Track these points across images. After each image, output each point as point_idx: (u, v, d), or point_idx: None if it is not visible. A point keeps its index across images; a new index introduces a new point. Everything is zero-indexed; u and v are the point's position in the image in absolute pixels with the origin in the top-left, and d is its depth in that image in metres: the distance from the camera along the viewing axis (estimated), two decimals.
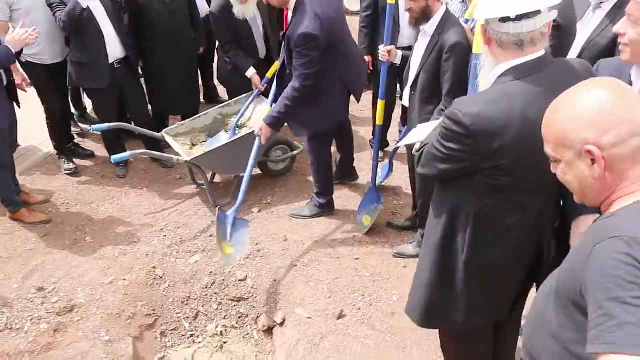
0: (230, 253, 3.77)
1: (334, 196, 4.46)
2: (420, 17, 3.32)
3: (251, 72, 4.76)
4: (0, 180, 4.22)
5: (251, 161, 4.04)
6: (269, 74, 4.67)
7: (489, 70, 1.97)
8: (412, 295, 2.32)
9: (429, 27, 3.33)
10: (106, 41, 4.61)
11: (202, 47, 5.52)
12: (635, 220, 1.23)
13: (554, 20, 2.75)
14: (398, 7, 4.32)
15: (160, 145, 5.02)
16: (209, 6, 5.46)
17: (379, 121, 4.09)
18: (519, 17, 1.79)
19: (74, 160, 5.26)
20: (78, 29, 4.45)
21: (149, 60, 5.14)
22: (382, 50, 3.74)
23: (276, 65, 4.41)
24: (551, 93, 1.51)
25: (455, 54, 3.18)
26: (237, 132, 4.75)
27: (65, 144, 5.28)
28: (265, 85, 4.74)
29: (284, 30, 4.06)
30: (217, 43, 5.31)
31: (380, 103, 3.97)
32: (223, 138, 4.75)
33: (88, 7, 4.40)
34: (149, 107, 5.39)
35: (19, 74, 4.55)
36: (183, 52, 5.14)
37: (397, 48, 3.97)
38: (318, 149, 4.18)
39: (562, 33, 2.88)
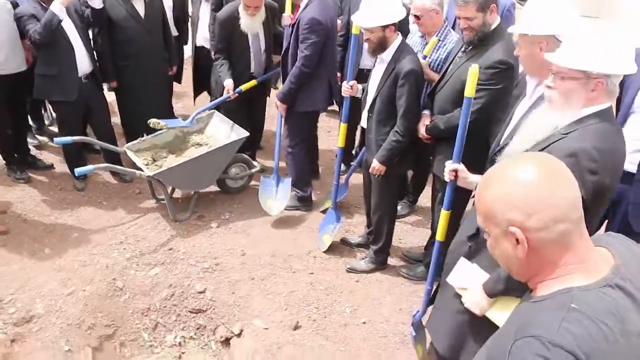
0: (271, 205, 4.77)
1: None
2: (377, 46, 3.57)
3: (228, 82, 4.82)
4: None
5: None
6: (243, 87, 4.83)
7: (562, 111, 2.10)
8: (439, 322, 2.52)
9: (386, 55, 3.59)
10: (76, 55, 4.70)
11: (174, 67, 5.59)
12: (556, 317, 1.19)
13: (506, 63, 3.05)
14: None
15: (121, 160, 5.10)
16: (176, 30, 5.66)
17: (340, 143, 4.26)
18: None
19: (28, 171, 5.28)
20: (50, 42, 4.51)
21: (123, 79, 5.18)
22: (345, 85, 3.95)
23: (252, 83, 4.88)
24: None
25: (409, 81, 3.46)
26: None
27: (18, 156, 5.29)
28: (237, 94, 4.84)
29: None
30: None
31: (343, 126, 4.16)
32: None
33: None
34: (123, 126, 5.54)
35: None
36: (157, 71, 5.26)
37: (360, 69, 4.24)
38: (306, 130, 4.81)
39: (514, 73, 3.11)
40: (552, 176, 1.26)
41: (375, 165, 3.71)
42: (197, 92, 6.10)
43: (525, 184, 1.24)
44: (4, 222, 4.57)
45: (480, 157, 3.32)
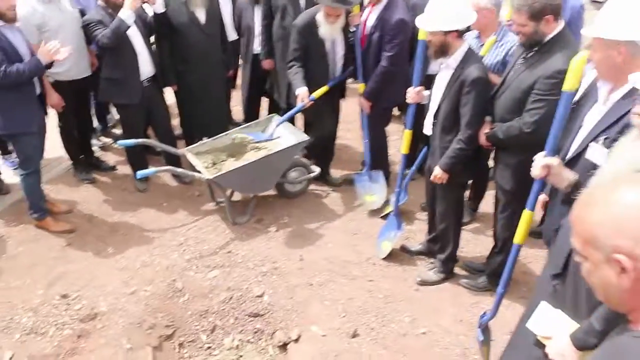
0: (373, 199, 4.95)
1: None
2: (439, 50, 3.48)
3: (301, 90, 4.69)
4: (31, 186, 4.42)
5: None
6: (315, 94, 4.72)
7: None
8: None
9: (452, 61, 3.49)
10: (139, 59, 4.82)
11: (231, 70, 5.64)
12: None
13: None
14: None
15: (181, 161, 5.19)
16: (237, 34, 5.69)
17: (404, 150, 4.21)
18: None
19: (92, 171, 5.46)
20: (116, 46, 4.63)
21: (182, 83, 5.28)
22: (411, 91, 3.89)
23: (325, 89, 4.78)
24: None
25: (475, 89, 3.36)
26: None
27: (83, 157, 5.48)
28: (312, 101, 4.71)
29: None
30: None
31: (407, 133, 4.12)
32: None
33: None
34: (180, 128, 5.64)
35: (55, 96, 4.72)
36: (216, 75, 5.32)
37: (428, 75, 4.23)
38: (383, 124, 5.05)
39: None
40: None
41: (438, 173, 3.63)
42: (255, 100, 6.10)
43: (637, 207, 1.13)
44: (70, 221, 4.72)
45: None
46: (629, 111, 2.24)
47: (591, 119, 2.49)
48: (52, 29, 4.62)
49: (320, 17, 4.59)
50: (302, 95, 4.65)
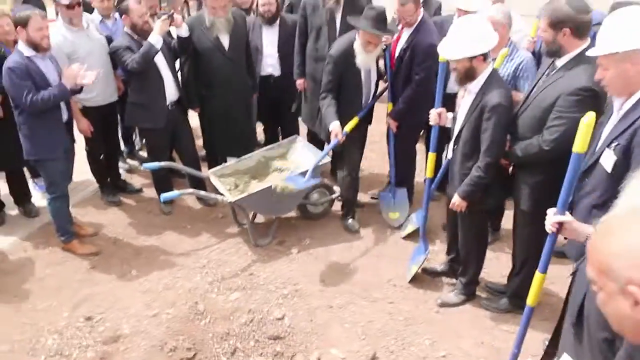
0: (396, 217, 5.01)
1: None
2: (464, 76, 3.43)
3: (334, 125, 4.54)
4: (57, 210, 4.53)
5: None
6: (347, 128, 4.59)
7: None
8: None
9: (474, 86, 3.45)
10: (165, 83, 4.93)
11: (255, 94, 5.68)
12: None
13: (589, 90, 2.93)
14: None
15: (205, 184, 5.25)
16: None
17: (429, 174, 4.18)
18: None
19: (119, 194, 5.59)
20: (145, 70, 4.75)
21: (206, 108, 5.38)
22: (433, 113, 3.89)
23: (355, 121, 4.65)
24: None
25: (495, 115, 3.31)
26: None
27: (110, 180, 5.62)
28: (344, 137, 4.57)
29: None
30: None
31: (431, 156, 4.10)
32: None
33: None
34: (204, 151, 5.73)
35: (83, 122, 4.86)
36: (240, 99, 5.37)
37: (448, 94, 4.21)
38: (410, 142, 5.10)
39: (599, 102, 2.99)
40: None
41: (456, 200, 3.60)
42: (266, 124, 6.15)
43: None
44: (96, 243, 4.82)
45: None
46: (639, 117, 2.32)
47: (607, 129, 2.55)
48: (81, 57, 4.78)
49: (357, 46, 4.47)
50: (336, 130, 4.51)
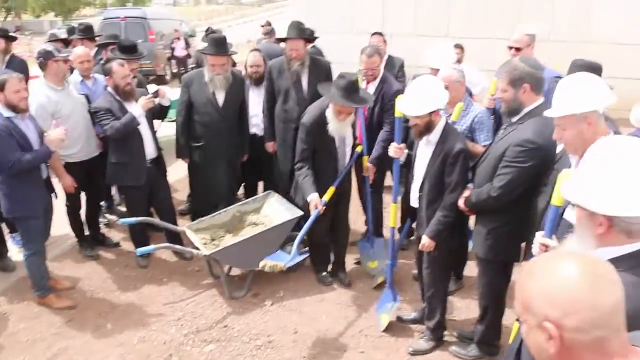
0: (375, 266, 5.08)
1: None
2: (424, 129, 3.74)
3: (312, 197, 4.49)
4: (33, 266, 4.59)
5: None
6: (326, 197, 4.56)
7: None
8: None
9: (433, 137, 3.75)
10: (144, 143, 5.12)
11: (246, 154, 5.83)
12: None
13: (533, 142, 3.17)
14: None
15: (181, 237, 5.36)
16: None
17: (392, 223, 4.37)
18: None
19: (97, 248, 5.68)
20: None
21: (194, 158, 5.60)
22: (394, 146, 4.12)
23: (332, 190, 4.60)
24: None
25: (459, 160, 3.63)
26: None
27: (90, 233, 5.73)
28: (325, 206, 4.53)
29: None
30: None
31: (393, 207, 4.30)
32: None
33: None
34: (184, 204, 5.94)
35: (67, 178, 4.98)
36: (228, 156, 5.56)
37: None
38: (381, 191, 5.44)
39: (542, 153, 3.23)
40: (597, 279, 1.23)
41: (425, 241, 3.79)
42: (249, 184, 6.30)
43: (568, 282, 1.22)
44: (72, 297, 4.86)
45: (514, 237, 3.49)
46: None
47: None
48: (64, 115, 4.99)
49: (329, 114, 4.46)
50: (315, 201, 4.47)
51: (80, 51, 5.83)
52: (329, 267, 5.16)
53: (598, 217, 1.68)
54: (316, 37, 5.40)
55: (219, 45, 5.36)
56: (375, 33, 6.73)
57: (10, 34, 7.40)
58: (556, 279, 1.25)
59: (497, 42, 8.06)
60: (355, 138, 4.88)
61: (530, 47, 4.77)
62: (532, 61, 3.38)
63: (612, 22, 9.51)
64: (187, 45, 18.29)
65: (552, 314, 1.23)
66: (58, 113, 4.97)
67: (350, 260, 5.31)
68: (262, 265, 4.39)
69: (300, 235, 4.57)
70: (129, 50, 6.00)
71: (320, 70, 5.35)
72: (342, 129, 4.55)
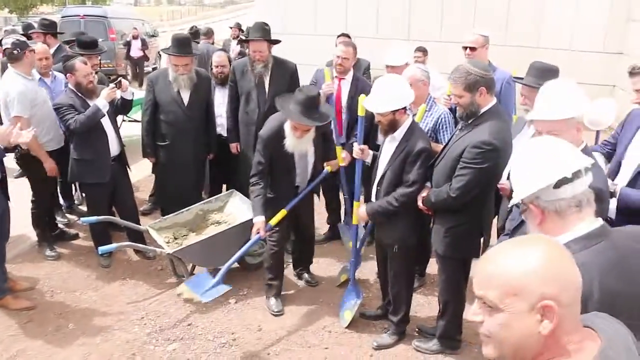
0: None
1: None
2: (388, 128, 3.81)
3: (257, 220, 4.35)
4: None
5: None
6: (273, 222, 4.43)
7: None
8: None
9: (398, 134, 3.82)
10: (108, 139, 5.08)
11: (212, 154, 5.81)
12: None
13: (489, 144, 3.27)
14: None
15: (144, 237, 5.32)
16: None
17: (355, 220, 4.42)
18: (574, 176, 1.78)
19: (56, 246, 5.62)
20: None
21: (160, 158, 5.56)
22: (357, 147, 4.15)
23: (282, 214, 4.43)
24: (626, 260, 1.68)
25: (419, 158, 3.71)
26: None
27: (49, 232, 5.63)
28: (269, 231, 4.45)
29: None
30: None
31: (357, 204, 4.33)
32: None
33: None
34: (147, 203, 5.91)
35: (50, 161, 5.10)
36: (193, 154, 5.53)
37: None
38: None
39: (499, 154, 3.34)
40: (570, 257, 1.31)
41: (362, 213, 3.99)
42: (214, 186, 6.22)
43: (556, 260, 1.27)
44: (31, 297, 4.77)
45: (472, 234, 3.63)
46: None
47: None
48: (39, 104, 5.12)
49: (287, 129, 4.28)
50: (259, 225, 4.32)
51: (40, 47, 5.74)
52: (279, 291, 4.76)
53: (532, 210, 1.85)
54: (278, 41, 5.36)
55: (181, 45, 5.32)
56: (341, 34, 6.76)
57: None
58: (544, 258, 1.27)
59: (451, 45, 8.31)
60: (318, 156, 4.60)
61: (484, 47, 4.93)
62: (481, 64, 3.48)
63: (564, 28, 9.82)
64: (145, 45, 17.21)
65: (550, 290, 1.24)
66: (35, 101, 5.01)
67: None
68: (179, 292, 4.46)
69: (231, 261, 4.45)
70: (89, 46, 5.94)
71: (284, 72, 5.35)
72: (300, 146, 4.33)
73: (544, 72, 3.82)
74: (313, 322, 4.46)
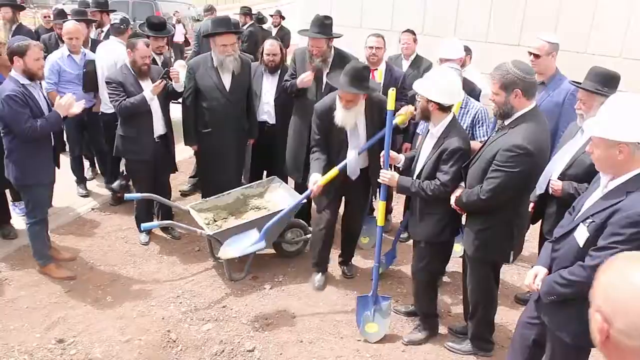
0: (366, 242, 5.25)
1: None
2: (421, 113, 3.82)
3: (314, 177, 4.41)
4: (36, 235, 4.62)
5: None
6: (322, 181, 4.35)
7: None
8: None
9: (437, 131, 3.79)
10: (153, 119, 5.15)
11: (253, 139, 5.77)
12: None
13: (523, 148, 3.22)
14: None
15: (173, 217, 5.49)
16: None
17: (380, 222, 4.27)
18: None
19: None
20: None
21: (203, 145, 5.49)
22: (384, 154, 4.07)
23: (333, 173, 4.38)
24: None
25: (453, 157, 3.68)
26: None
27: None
28: (318, 188, 4.37)
29: None
30: None
31: (382, 204, 4.21)
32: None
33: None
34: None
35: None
36: (235, 140, 5.48)
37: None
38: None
39: (533, 159, 3.28)
40: None
41: (392, 179, 3.93)
42: (255, 172, 6.15)
43: (629, 284, 1.25)
44: (72, 268, 4.89)
45: (502, 239, 3.59)
46: (619, 201, 2.49)
47: (589, 201, 2.74)
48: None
49: (337, 103, 4.36)
50: (312, 180, 4.39)
51: (71, 27, 5.88)
52: (325, 269, 5.00)
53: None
54: (338, 35, 5.25)
55: (224, 24, 5.26)
56: (406, 31, 6.55)
57: (18, 3, 7.48)
58: (621, 278, 1.27)
59: (498, 46, 8.18)
60: (370, 133, 4.51)
61: (550, 55, 4.68)
62: (525, 66, 3.37)
63: (615, 34, 9.60)
64: (186, 30, 16.67)
65: (604, 308, 1.27)
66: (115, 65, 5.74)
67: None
68: (220, 255, 4.61)
69: (275, 218, 4.60)
70: (157, 27, 5.99)
71: (344, 65, 5.24)
72: (348, 119, 4.34)
73: (605, 78, 3.75)
74: (347, 314, 4.47)
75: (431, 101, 3.68)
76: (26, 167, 4.41)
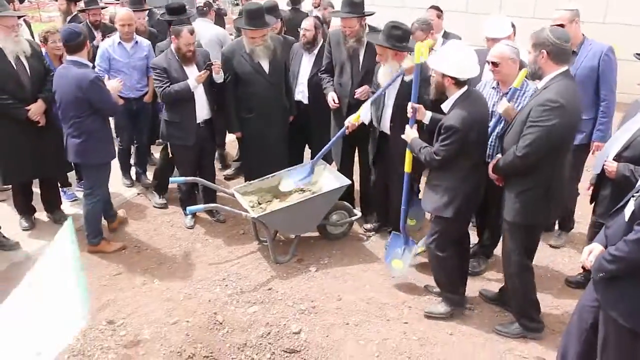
0: (414, 223, 5.18)
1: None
2: (436, 90, 3.84)
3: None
4: (94, 213, 4.88)
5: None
6: (354, 119, 4.77)
7: None
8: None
9: (445, 106, 3.82)
10: (196, 105, 5.17)
11: (292, 117, 5.71)
12: None
13: (555, 101, 3.25)
14: None
15: (216, 201, 5.47)
16: None
17: (407, 168, 4.38)
18: None
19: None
20: None
21: (246, 130, 5.48)
22: (410, 106, 4.15)
23: (356, 117, 4.78)
24: None
25: (446, 134, 3.66)
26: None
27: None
28: (354, 125, 4.79)
29: None
30: None
31: (409, 152, 4.24)
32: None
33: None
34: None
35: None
36: (278, 122, 5.46)
37: None
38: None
39: (566, 112, 3.29)
40: None
41: (407, 134, 4.11)
42: (295, 150, 6.05)
43: None
44: (120, 252, 5.01)
45: (542, 200, 3.55)
46: None
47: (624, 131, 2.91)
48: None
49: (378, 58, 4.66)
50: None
51: (124, 14, 5.90)
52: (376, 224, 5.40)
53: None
54: (371, 13, 5.14)
55: (255, 17, 5.13)
56: (431, 7, 6.50)
57: None
58: None
59: (545, 22, 7.90)
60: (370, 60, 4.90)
61: (573, 22, 4.66)
62: (560, 32, 3.43)
63: None
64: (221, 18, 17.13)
65: None
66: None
67: None
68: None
69: (323, 150, 5.04)
70: (176, 12, 6.05)
71: None
72: (384, 75, 4.58)
73: None
74: (393, 297, 4.41)
75: (446, 76, 3.68)
76: (94, 146, 4.63)
